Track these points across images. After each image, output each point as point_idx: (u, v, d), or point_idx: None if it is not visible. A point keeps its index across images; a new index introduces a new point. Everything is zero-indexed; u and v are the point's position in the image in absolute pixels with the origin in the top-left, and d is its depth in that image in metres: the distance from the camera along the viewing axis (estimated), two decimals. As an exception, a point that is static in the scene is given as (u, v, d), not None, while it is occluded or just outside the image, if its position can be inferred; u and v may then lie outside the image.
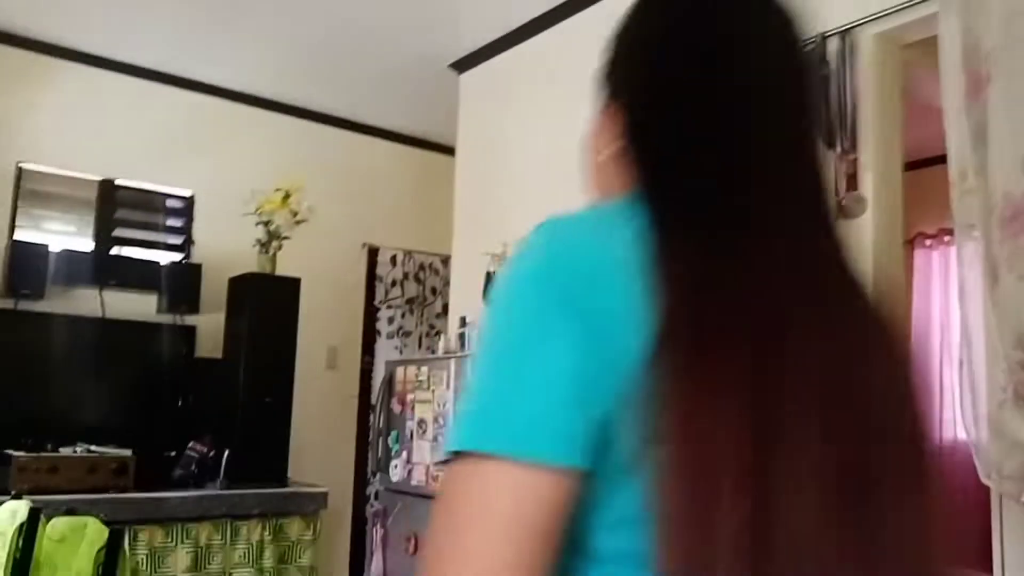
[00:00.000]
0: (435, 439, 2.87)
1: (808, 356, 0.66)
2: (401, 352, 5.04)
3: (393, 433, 3.10)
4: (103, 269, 4.22)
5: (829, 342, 0.68)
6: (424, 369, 3.00)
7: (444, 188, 4.59)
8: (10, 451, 3.50)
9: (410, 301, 5.20)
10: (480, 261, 3.48)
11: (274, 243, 4.28)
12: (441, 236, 4.88)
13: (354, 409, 5.04)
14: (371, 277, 5.17)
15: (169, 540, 3.69)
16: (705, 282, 0.66)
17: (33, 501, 3.25)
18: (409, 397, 3.05)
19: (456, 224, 4.21)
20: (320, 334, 4.86)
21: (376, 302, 5.14)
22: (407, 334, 5.15)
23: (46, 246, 4.03)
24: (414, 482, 2.96)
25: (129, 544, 3.56)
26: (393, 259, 5.23)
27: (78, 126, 4.26)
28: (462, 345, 3.06)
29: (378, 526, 3.09)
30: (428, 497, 2.89)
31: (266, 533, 3.92)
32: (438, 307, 5.33)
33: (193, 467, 3.98)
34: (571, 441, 0.63)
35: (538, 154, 3.71)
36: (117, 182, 4.39)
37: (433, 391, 2.92)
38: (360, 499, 4.85)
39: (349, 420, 5.01)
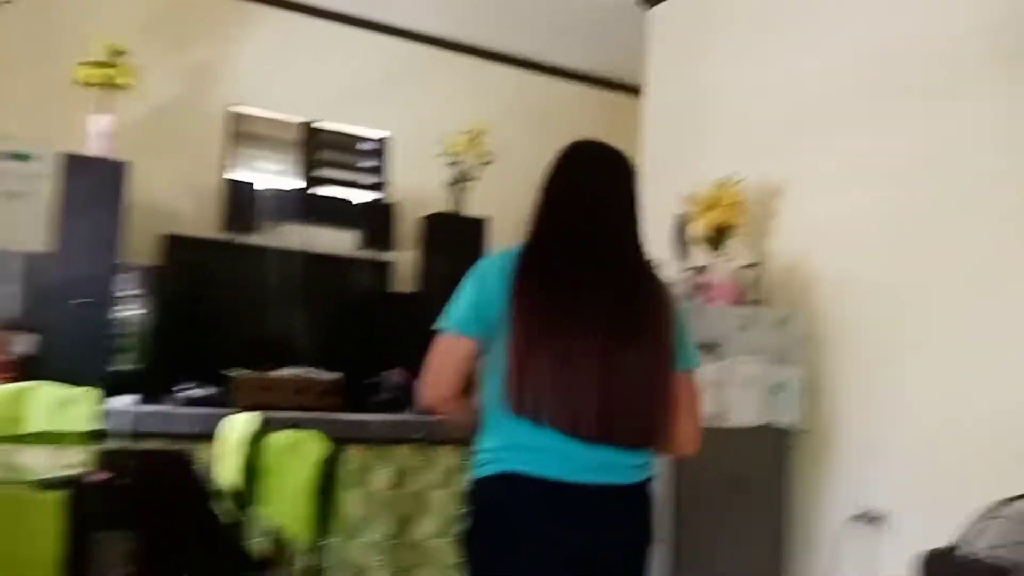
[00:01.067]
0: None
1: (582, 299, 1.64)
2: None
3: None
4: (306, 206, 4.49)
5: (603, 293, 1.66)
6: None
7: (627, 129, 4.50)
8: (231, 369, 3.85)
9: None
10: (671, 203, 3.39)
11: (462, 183, 4.38)
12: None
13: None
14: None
15: (372, 459, 3.94)
16: (530, 271, 1.66)
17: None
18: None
19: (644, 168, 4.11)
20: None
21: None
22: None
23: (254, 185, 4.33)
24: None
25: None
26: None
27: (281, 70, 4.51)
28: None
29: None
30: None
31: (460, 458, 4.10)
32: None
33: (390, 393, 4.21)
34: (469, 325, 1.68)
35: (734, 92, 3.55)
36: (318, 125, 4.62)
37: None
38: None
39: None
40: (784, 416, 2.92)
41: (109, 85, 3.68)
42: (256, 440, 2.19)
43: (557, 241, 1.69)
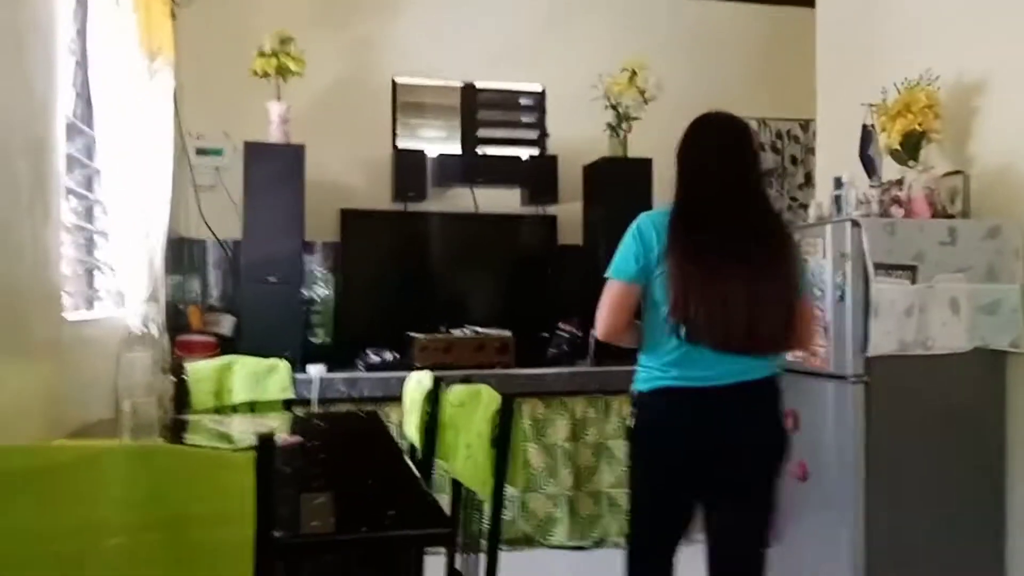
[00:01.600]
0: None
1: (727, 244, 2.02)
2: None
3: (762, 308, 2.93)
4: (471, 169, 4.53)
5: (742, 239, 2.04)
6: (796, 237, 2.76)
7: (800, 46, 4.17)
8: (411, 333, 3.97)
9: (767, 172, 4.87)
10: (853, 116, 3.08)
11: (624, 125, 4.23)
12: (798, 99, 4.46)
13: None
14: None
15: (550, 412, 3.96)
16: (682, 224, 2.05)
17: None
18: (778, 268, 2.84)
19: (820, 81, 3.79)
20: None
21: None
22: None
23: (423, 152, 4.41)
24: (790, 357, 2.79)
25: (515, 416, 3.88)
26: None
27: (436, 37, 4.54)
28: (838, 209, 2.76)
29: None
30: (806, 373, 2.71)
31: (637, 409, 4.03)
32: (800, 177, 4.94)
33: (564, 346, 4.19)
34: (632, 273, 2.10)
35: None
36: (477, 85, 4.63)
37: (807, 261, 2.69)
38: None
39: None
40: (999, 338, 2.60)
41: (282, 72, 3.85)
42: (433, 396, 2.22)
43: (700, 203, 2.08)
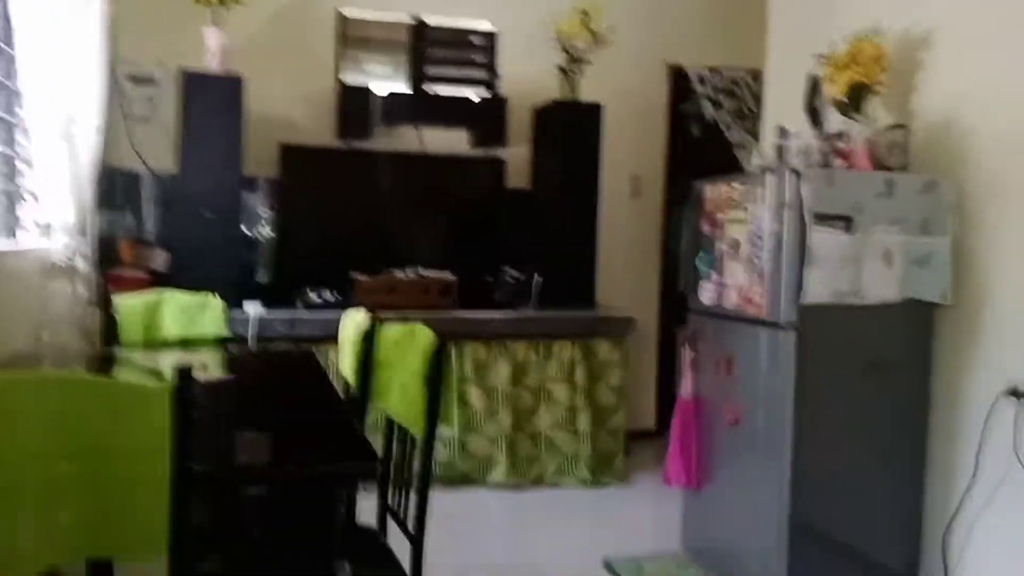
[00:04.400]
0: (750, 260, 2.68)
1: None
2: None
3: (702, 255, 2.95)
4: (419, 108, 4.43)
5: None
6: (737, 186, 2.77)
7: (754, -10, 4.14)
8: (354, 273, 3.92)
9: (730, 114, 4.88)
10: (802, 67, 3.08)
11: (575, 68, 4.18)
12: (752, 48, 4.45)
13: (656, 237, 4.95)
14: (674, 100, 4.91)
15: (491, 355, 3.97)
16: None
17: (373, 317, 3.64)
18: (719, 216, 2.86)
19: (771, 31, 3.77)
20: (623, 161, 4.77)
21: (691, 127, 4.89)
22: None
23: (368, 89, 4.29)
24: (726, 304, 2.82)
25: (457, 358, 3.89)
26: (701, 78, 4.89)
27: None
28: (780, 158, 2.77)
29: (687, 348, 3.02)
30: (742, 320, 2.74)
31: (576, 353, 4.07)
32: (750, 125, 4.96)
33: (508, 290, 4.19)
34: None
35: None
36: (428, 21, 4.50)
37: (747, 209, 2.70)
38: (666, 322, 4.85)
39: (652, 247, 4.93)
40: (929, 290, 2.67)
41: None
42: (369, 335, 2.19)
43: None
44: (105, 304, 2.68)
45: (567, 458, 4.06)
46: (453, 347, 3.87)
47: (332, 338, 3.72)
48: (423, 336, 1.88)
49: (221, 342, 2.78)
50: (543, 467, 4.04)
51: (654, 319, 4.86)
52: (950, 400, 2.76)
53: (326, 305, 3.79)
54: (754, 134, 4.72)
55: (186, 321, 2.72)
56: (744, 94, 4.86)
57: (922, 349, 2.78)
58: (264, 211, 4.15)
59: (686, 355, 3.03)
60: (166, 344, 2.70)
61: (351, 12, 4.37)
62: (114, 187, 3.86)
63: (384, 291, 3.84)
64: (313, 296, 3.84)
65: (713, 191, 2.91)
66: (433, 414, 1.81)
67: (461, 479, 3.92)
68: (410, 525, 1.82)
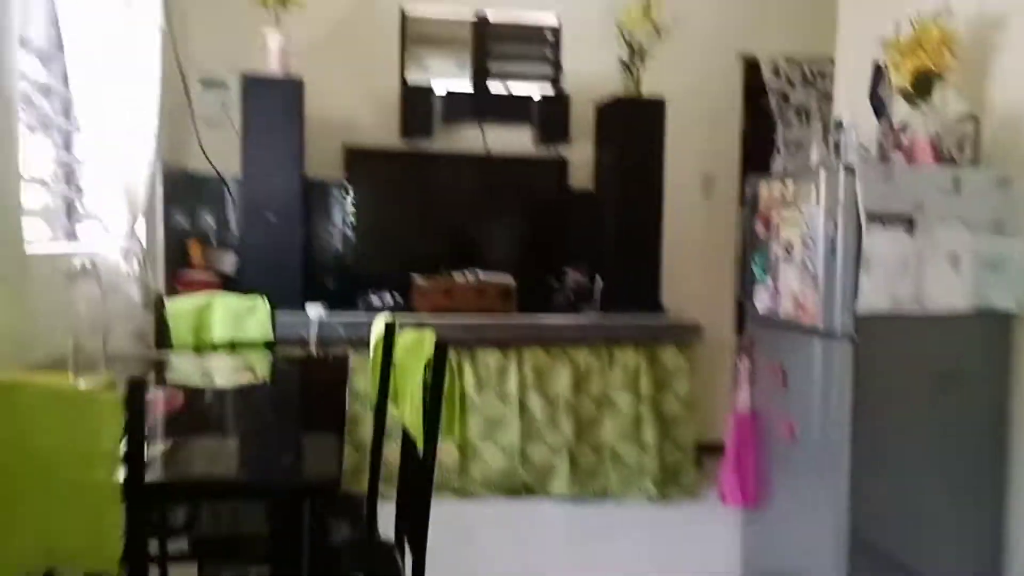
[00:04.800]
0: (804, 265, 2.52)
1: None
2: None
3: (757, 257, 2.79)
4: (482, 106, 4.41)
5: None
6: (790, 184, 2.61)
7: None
8: (415, 274, 3.92)
9: (798, 112, 4.65)
10: (868, 53, 2.88)
11: (638, 62, 4.05)
12: (830, 34, 4.20)
13: (732, 238, 4.75)
14: (750, 93, 4.70)
15: (552, 361, 3.89)
16: None
17: (433, 322, 3.64)
18: (773, 216, 2.70)
19: (840, 11, 3.54)
20: (695, 159, 4.61)
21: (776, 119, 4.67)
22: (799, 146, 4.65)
23: (431, 88, 4.29)
24: (780, 312, 2.66)
25: (517, 362, 3.84)
26: (776, 70, 4.67)
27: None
28: (837, 154, 2.58)
29: (744, 358, 2.87)
30: (796, 329, 2.58)
31: (641, 360, 3.95)
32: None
33: (570, 293, 4.11)
34: None
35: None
36: (490, 17, 4.46)
37: (801, 209, 2.54)
38: (741, 329, 4.64)
39: (727, 249, 4.73)
40: (1003, 297, 2.43)
41: (282, 2, 3.75)
42: (385, 341, 2.16)
43: None
44: (158, 307, 2.76)
45: (632, 471, 3.93)
46: (513, 353, 3.82)
47: (390, 340, 3.78)
48: (428, 342, 1.83)
49: (268, 345, 2.82)
50: (606, 479, 3.93)
51: (729, 326, 4.65)
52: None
53: (386, 308, 3.81)
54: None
55: (233, 324, 2.78)
56: (826, 85, 4.59)
57: (999, 362, 2.54)
58: (330, 213, 4.21)
59: (742, 366, 2.88)
60: (215, 347, 2.76)
61: (414, 10, 4.38)
62: (187, 190, 4.00)
63: (441, 293, 3.83)
64: (375, 299, 3.87)
65: (767, 189, 2.75)
66: (433, 423, 1.76)
67: (522, 489, 3.86)
68: (407, 537, 1.78)
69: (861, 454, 2.45)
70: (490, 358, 3.84)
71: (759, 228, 2.79)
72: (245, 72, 3.79)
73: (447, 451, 3.79)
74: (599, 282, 4.02)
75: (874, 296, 2.35)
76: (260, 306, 2.83)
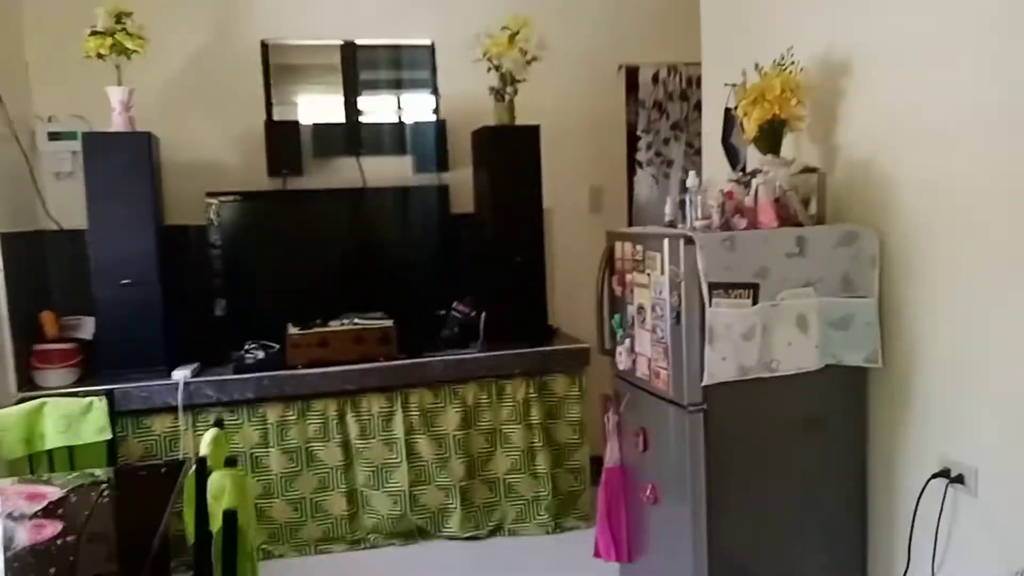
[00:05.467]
0: (654, 330, 2.45)
1: None
2: (657, 182, 4.55)
3: (616, 317, 2.72)
4: (355, 137, 4.23)
5: None
6: (640, 248, 2.53)
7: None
8: (289, 324, 3.76)
9: (675, 126, 4.57)
10: (723, 95, 2.80)
11: (508, 88, 3.91)
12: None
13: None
14: (632, 102, 4.61)
15: (439, 401, 3.81)
16: None
17: (308, 374, 3.50)
18: (628, 277, 2.62)
19: (704, 43, 3.45)
20: (580, 173, 4.52)
21: (638, 131, 4.59)
22: (668, 163, 4.58)
23: (297, 123, 4.10)
24: (638, 373, 2.60)
25: (402, 406, 3.73)
26: (655, 76, 4.58)
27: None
28: (683, 216, 2.50)
29: (611, 412, 2.81)
30: (653, 394, 2.52)
31: (531, 391, 3.88)
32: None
33: (456, 328, 4.00)
34: None
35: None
36: (358, 42, 4.26)
37: (649, 274, 2.46)
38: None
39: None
40: (852, 355, 2.40)
41: (121, 51, 3.50)
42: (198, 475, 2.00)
43: None
44: (-19, 416, 2.57)
45: (528, 502, 3.89)
46: (398, 397, 3.72)
47: (266, 399, 3.63)
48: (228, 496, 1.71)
49: (110, 445, 2.65)
50: (502, 514, 3.89)
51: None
52: (887, 474, 2.51)
53: (259, 365, 3.65)
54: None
55: (67, 429, 2.61)
56: (696, 91, 4.52)
57: (855, 410, 2.53)
58: (199, 262, 3.99)
59: (609, 420, 2.82)
60: (50, 455, 2.59)
61: (275, 39, 4.15)
62: (30, 254, 3.74)
63: (315, 344, 3.68)
64: (248, 355, 3.70)
65: (621, 249, 2.67)
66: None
67: (416, 533, 3.80)
68: None
69: (719, 518, 2.42)
70: (374, 405, 3.73)
71: (616, 286, 2.71)
72: (84, 132, 3.54)
73: (335, 502, 3.70)
74: (483, 316, 3.91)
75: (719, 368, 2.30)
76: (95, 405, 2.67)
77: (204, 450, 2.01)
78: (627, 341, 2.66)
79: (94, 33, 3.46)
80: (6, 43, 3.62)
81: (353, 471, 3.74)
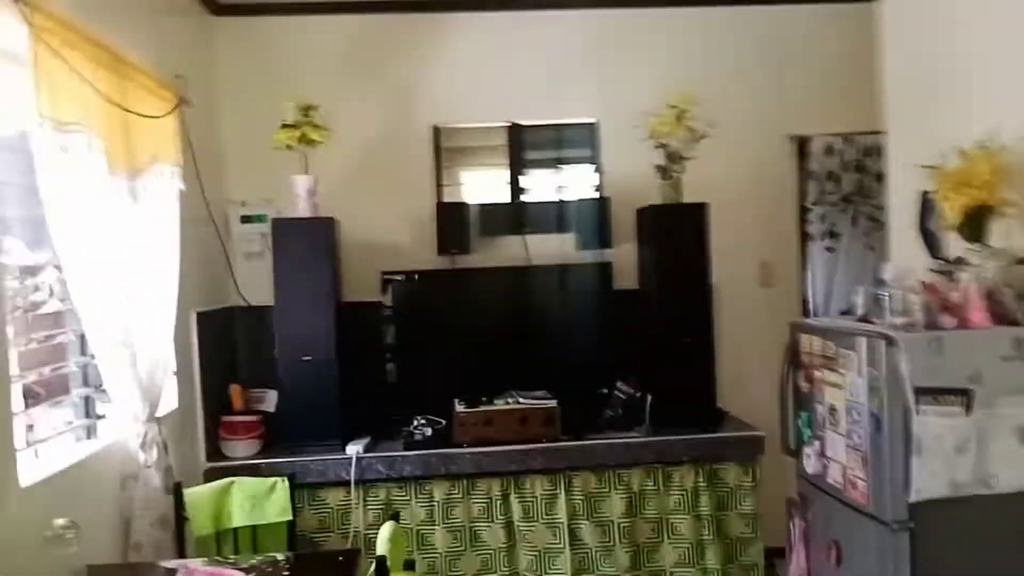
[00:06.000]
0: (849, 435, 2.27)
1: None
2: (832, 252, 4.31)
3: (803, 415, 2.55)
4: (520, 216, 4.30)
5: None
6: (831, 345, 2.37)
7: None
8: (456, 401, 3.79)
9: (845, 198, 4.34)
10: (915, 178, 2.61)
11: (675, 167, 3.84)
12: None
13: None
14: (803, 173, 4.42)
15: (603, 486, 3.70)
16: None
17: (472, 453, 3.51)
18: (817, 375, 2.45)
19: (889, 112, 3.25)
20: (749, 246, 4.35)
21: (808, 202, 4.39)
22: (835, 235, 4.35)
23: (465, 203, 4.21)
24: (830, 480, 2.41)
25: (565, 489, 3.66)
26: (829, 147, 4.38)
27: (477, 75, 4.28)
28: (877, 310, 2.32)
29: (797, 518, 2.61)
30: (848, 505, 2.32)
31: (700, 479, 3.71)
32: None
33: (620, 409, 3.90)
34: None
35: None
36: (523, 123, 4.35)
37: (843, 374, 2.29)
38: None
39: (792, 342, 4.45)
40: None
41: (306, 142, 3.73)
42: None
43: None
44: (178, 494, 2.72)
45: (693, 598, 3.70)
46: (561, 480, 3.66)
47: (433, 476, 3.66)
48: None
49: (291, 526, 2.73)
50: (667, 609, 3.71)
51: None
52: None
53: (425, 443, 3.70)
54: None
55: (252, 508, 2.71)
56: (874, 161, 4.27)
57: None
58: (372, 338, 4.12)
59: (795, 527, 2.63)
60: (235, 533, 2.70)
61: (445, 123, 4.30)
62: (221, 329, 3.99)
63: (481, 423, 3.69)
64: (416, 431, 3.76)
65: (808, 343, 2.51)
66: None
67: (575, 623, 3.68)
68: None
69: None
70: (537, 486, 3.68)
71: (802, 382, 2.55)
72: (274, 217, 3.78)
73: (497, 585, 3.65)
74: (649, 399, 3.79)
75: (928, 483, 2.08)
76: (278, 487, 2.76)
77: (382, 548, 2.02)
78: (816, 443, 2.47)
79: (284, 127, 3.70)
80: (206, 134, 3.93)
81: (516, 554, 3.69)
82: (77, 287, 2.44)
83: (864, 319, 2.37)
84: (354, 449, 3.62)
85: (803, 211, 4.43)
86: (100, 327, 2.48)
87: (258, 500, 2.72)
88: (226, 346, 4.04)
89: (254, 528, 2.74)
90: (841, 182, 4.35)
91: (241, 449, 3.65)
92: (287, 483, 2.78)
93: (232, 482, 2.78)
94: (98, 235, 2.46)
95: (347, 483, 3.59)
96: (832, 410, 2.36)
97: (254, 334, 4.10)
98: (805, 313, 4.42)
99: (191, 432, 3.55)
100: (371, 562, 1.99)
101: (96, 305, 2.46)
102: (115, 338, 2.54)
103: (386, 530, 2.09)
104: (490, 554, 3.67)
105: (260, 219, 4.18)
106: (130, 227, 2.71)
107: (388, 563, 1.87)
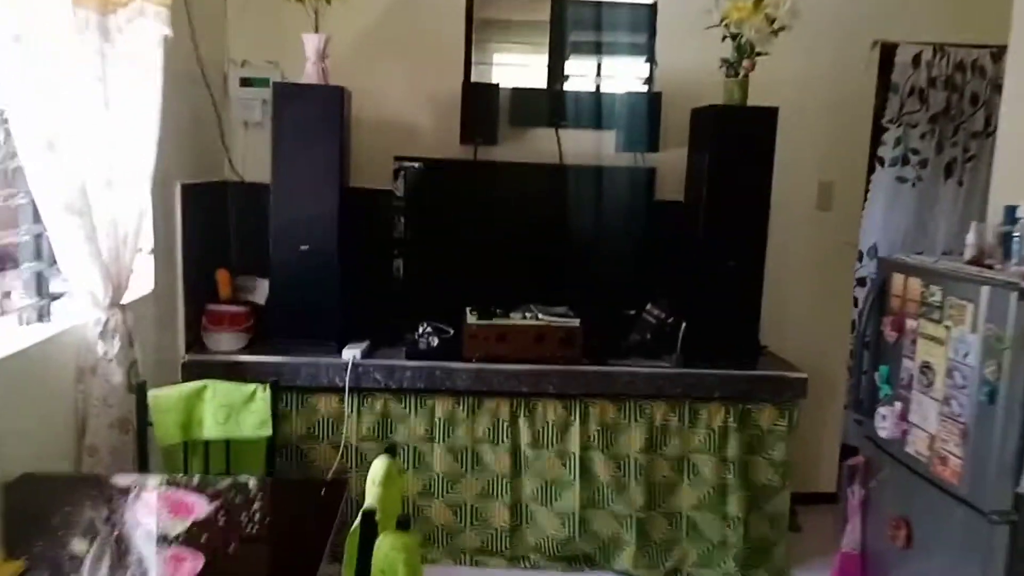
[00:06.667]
0: (946, 401, 1.85)
1: None
2: (904, 183, 3.81)
3: (882, 369, 2.13)
4: (558, 107, 3.78)
5: None
6: (936, 289, 1.92)
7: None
8: (468, 311, 3.41)
9: (934, 118, 3.80)
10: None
11: (744, 63, 3.31)
12: (994, 18, 3.32)
13: (852, 261, 4.01)
14: (883, 86, 3.87)
15: (621, 417, 3.35)
16: None
17: (481, 369, 3.14)
18: (910, 324, 2.02)
19: (1017, 16, 2.70)
20: (810, 166, 3.86)
21: (884, 120, 3.86)
22: (923, 163, 3.83)
23: (496, 86, 3.69)
24: (910, 449, 2.01)
25: (580, 418, 3.31)
26: (917, 58, 3.82)
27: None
28: (1006, 254, 1.87)
29: (857, 484, 2.23)
30: (932, 483, 1.93)
31: (730, 419, 3.35)
32: (978, 123, 3.84)
33: (648, 334, 3.50)
34: None
35: None
36: (573, -4, 3.79)
37: (948, 327, 1.86)
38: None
39: (845, 276, 4.00)
40: None
41: (319, -1, 3.21)
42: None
43: None
44: (141, 395, 2.35)
45: (713, 547, 3.38)
46: (576, 406, 3.30)
47: (437, 391, 3.30)
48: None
49: (270, 442, 2.37)
50: (682, 555, 3.40)
51: (842, 376, 3.92)
52: None
53: (430, 354, 3.31)
54: (977, 134, 3.62)
55: (226, 419, 2.35)
56: (970, 80, 3.72)
57: None
58: (380, 229, 3.68)
59: (855, 494, 2.25)
60: (207, 445, 2.34)
61: (484, -6, 3.74)
62: (212, 205, 3.56)
63: (494, 339, 3.30)
64: (421, 341, 3.37)
65: (901, 284, 2.07)
66: None
67: (581, 560, 3.38)
68: None
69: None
70: (549, 412, 3.33)
71: (888, 330, 2.12)
72: (276, 81, 3.29)
73: (498, 512, 3.34)
74: (683, 327, 3.38)
75: (1050, 474, 1.68)
76: (258, 395, 2.39)
77: (371, 497, 1.63)
78: (896, 404, 2.06)
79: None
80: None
81: (520, 482, 3.37)
82: (23, 139, 2.00)
83: (976, 262, 1.92)
84: (351, 353, 3.25)
85: (877, 131, 3.90)
86: (48, 189, 2.05)
87: (234, 410, 2.35)
88: (216, 226, 3.61)
89: (227, 442, 2.38)
90: (928, 100, 3.79)
91: (225, 342, 3.28)
92: (268, 391, 2.40)
93: (205, 386, 2.40)
94: (53, 76, 2.00)
95: (340, 390, 3.24)
96: (926, 368, 1.93)
97: (248, 214, 3.65)
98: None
99: (170, 319, 3.17)
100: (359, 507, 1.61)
101: (44, 162, 2.02)
102: (67, 204, 2.11)
103: (378, 469, 1.71)
104: (491, 479, 3.35)
105: (263, 83, 3.67)
106: (96, 72, 2.24)
107: (377, 517, 1.49)
